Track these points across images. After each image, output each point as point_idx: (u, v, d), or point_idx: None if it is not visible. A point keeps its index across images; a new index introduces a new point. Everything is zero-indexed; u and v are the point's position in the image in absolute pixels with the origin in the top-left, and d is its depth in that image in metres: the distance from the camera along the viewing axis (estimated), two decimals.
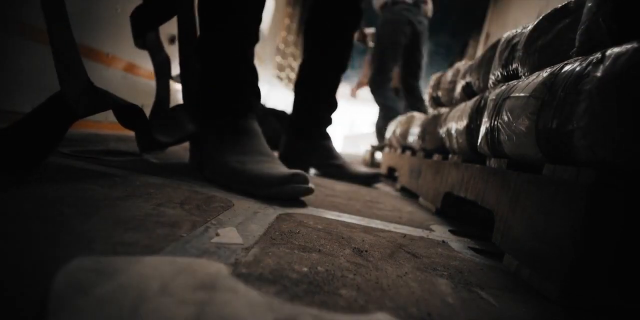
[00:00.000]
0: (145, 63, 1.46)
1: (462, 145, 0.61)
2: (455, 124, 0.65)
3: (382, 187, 1.05)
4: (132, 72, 1.40)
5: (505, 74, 0.54)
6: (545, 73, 0.37)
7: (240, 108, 0.67)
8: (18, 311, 0.16)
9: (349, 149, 5.58)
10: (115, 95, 0.45)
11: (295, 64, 4.25)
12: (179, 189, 0.47)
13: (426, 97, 1.14)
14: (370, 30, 2.70)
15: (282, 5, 3.79)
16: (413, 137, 0.98)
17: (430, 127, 0.85)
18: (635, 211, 0.28)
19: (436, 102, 1.04)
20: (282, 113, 2.00)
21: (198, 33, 0.71)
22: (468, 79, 0.75)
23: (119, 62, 1.29)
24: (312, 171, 1.12)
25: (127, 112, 0.48)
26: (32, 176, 0.39)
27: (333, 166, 1.07)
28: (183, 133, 0.68)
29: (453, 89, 0.89)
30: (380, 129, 2.27)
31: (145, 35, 0.82)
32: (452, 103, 0.90)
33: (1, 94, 0.84)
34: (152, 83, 1.55)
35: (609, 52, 0.29)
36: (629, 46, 0.27)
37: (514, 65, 0.51)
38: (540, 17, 0.47)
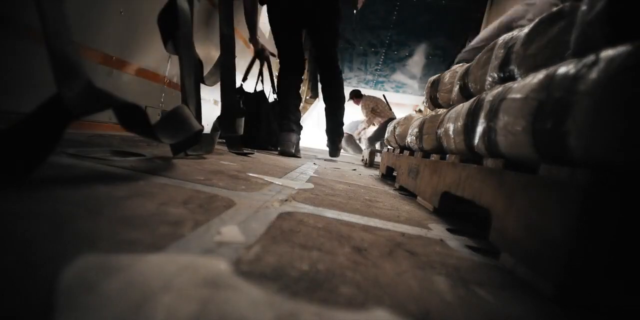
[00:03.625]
0: (147, 64, 1.46)
1: (460, 146, 0.62)
2: (452, 124, 0.65)
3: (381, 186, 1.06)
4: (136, 74, 1.40)
5: (502, 75, 0.55)
6: (541, 75, 0.38)
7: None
8: (25, 307, 0.17)
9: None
10: (116, 96, 0.45)
11: None
12: (181, 189, 0.48)
13: (424, 98, 1.15)
14: None
15: None
16: (411, 138, 0.99)
17: (428, 128, 0.86)
18: (630, 210, 0.28)
19: (434, 103, 1.05)
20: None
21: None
22: (465, 80, 0.76)
23: (123, 64, 1.30)
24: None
25: (129, 113, 0.48)
26: (37, 176, 0.39)
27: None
28: (190, 131, 0.70)
29: (450, 90, 0.90)
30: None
31: (172, 39, 0.85)
32: (449, 104, 0.91)
33: (1, 94, 0.84)
34: (154, 84, 1.55)
35: (603, 54, 0.29)
36: (622, 48, 0.28)
37: (511, 67, 0.52)
38: (536, 20, 0.48)
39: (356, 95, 4.45)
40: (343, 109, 2.02)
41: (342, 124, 2.07)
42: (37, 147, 0.38)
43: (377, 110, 4.24)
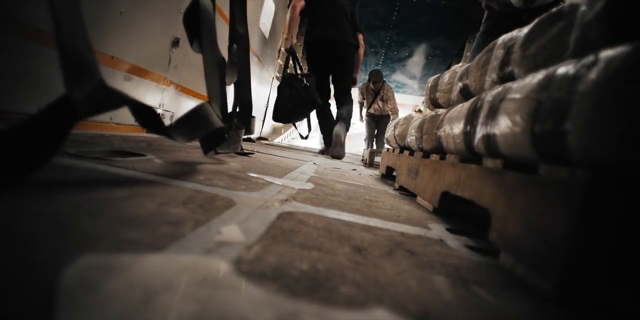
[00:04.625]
0: (149, 65, 1.46)
1: (459, 146, 0.62)
2: (452, 124, 0.65)
3: (381, 186, 1.06)
4: (137, 75, 1.40)
5: (502, 75, 0.55)
6: (540, 75, 0.38)
7: None
8: (27, 306, 0.17)
9: (350, 149, 5.59)
10: (127, 95, 0.45)
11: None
12: (182, 189, 0.48)
13: (424, 98, 1.16)
14: None
15: (283, 10, 3.82)
16: (411, 138, 0.99)
17: (428, 128, 0.86)
18: (629, 210, 0.29)
19: (434, 103, 1.05)
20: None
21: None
22: (465, 80, 0.76)
23: (123, 64, 1.30)
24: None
25: (141, 112, 0.48)
26: (38, 176, 0.39)
27: None
28: (209, 127, 0.70)
29: (450, 90, 0.90)
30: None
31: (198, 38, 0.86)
32: (449, 104, 0.91)
33: (2, 94, 0.84)
34: (156, 85, 1.55)
35: (602, 54, 0.30)
36: (621, 49, 0.28)
37: (510, 68, 0.52)
38: (536, 20, 0.48)
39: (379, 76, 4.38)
40: (349, 124, 2.61)
41: (346, 131, 2.60)
42: (41, 147, 0.38)
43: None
